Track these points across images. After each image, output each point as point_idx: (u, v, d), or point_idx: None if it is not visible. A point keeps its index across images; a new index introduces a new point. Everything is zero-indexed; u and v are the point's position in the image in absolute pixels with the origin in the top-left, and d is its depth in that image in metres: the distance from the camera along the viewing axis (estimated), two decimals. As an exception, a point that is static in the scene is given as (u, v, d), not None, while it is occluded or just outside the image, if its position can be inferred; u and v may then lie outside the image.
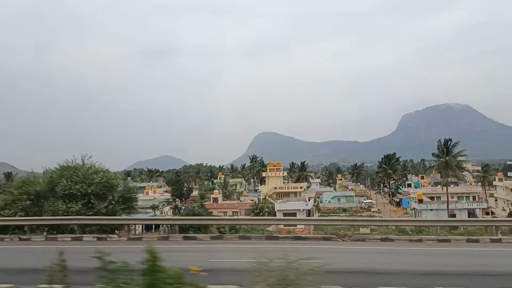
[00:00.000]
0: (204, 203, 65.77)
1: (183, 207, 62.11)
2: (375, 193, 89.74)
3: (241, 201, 59.64)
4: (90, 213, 19.52)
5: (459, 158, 54.94)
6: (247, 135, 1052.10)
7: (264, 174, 65.12)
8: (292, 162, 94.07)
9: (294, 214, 40.87)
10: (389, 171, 76.91)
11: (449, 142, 53.29)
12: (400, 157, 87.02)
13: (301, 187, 56.87)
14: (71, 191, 19.95)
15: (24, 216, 19.13)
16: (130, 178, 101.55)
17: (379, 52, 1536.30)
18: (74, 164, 21.88)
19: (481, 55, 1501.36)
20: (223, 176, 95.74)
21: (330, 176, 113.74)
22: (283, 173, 64.09)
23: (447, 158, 52.08)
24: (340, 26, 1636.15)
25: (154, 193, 73.98)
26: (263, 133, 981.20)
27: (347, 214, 54.25)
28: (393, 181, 79.02)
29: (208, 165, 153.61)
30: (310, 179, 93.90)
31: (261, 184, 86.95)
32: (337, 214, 52.50)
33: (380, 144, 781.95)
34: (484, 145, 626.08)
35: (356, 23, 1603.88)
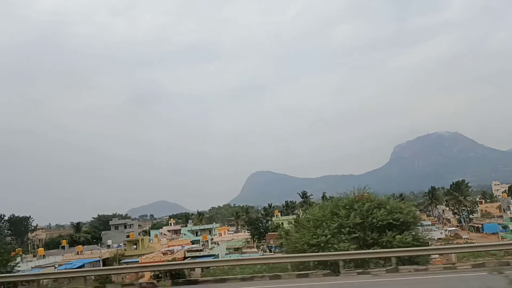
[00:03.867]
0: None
1: (273, 246, 58.44)
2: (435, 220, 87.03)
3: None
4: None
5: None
6: (240, 176, 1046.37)
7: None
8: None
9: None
10: (460, 198, 74.83)
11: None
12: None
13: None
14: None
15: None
16: (190, 221, 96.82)
17: (366, 86, 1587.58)
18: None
19: (465, 84, 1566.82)
20: (279, 214, 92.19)
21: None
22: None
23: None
24: (327, 62, 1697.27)
25: (225, 234, 70.32)
26: (256, 172, 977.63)
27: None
28: (463, 207, 76.74)
29: (236, 205, 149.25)
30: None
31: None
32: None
33: (376, 176, 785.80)
34: (478, 171, 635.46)
35: (343, 59, 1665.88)
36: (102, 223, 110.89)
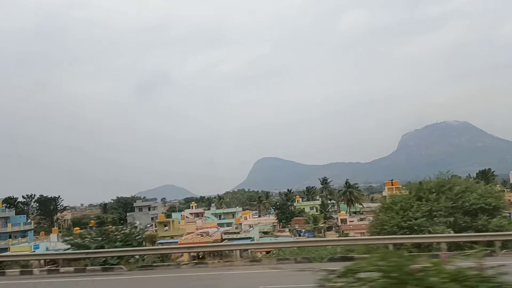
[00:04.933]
0: (321, 225, 62.63)
1: (302, 230, 58.91)
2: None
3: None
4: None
5: None
6: (247, 161, 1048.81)
7: (384, 193, 62.42)
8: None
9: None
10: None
11: None
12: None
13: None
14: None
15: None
16: (213, 204, 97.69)
17: (376, 74, 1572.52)
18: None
19: (475, 72, 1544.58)
20: (300, 199, 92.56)
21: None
22: (404, 191, 61.38)
23: None
24: (335, 51, 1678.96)
25: (250, 218, 70.94)
26: (263, 158, 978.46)
27: None
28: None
29: (251, 190, 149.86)
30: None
31: (347, 205, 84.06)
32: None
33: (382, 164, 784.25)
34: (486, 161, 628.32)
35: (350, 48, 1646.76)
36: (122, 205, 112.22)
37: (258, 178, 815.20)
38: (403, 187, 23.39)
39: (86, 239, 17.74)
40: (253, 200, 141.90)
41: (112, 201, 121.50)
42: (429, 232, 17.27)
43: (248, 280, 11.29)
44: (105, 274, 13.37)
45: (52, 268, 14.22)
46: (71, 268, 13.95)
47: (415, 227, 17.70)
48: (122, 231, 18.35)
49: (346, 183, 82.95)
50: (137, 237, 18.30)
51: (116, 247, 16.00)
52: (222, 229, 53.08)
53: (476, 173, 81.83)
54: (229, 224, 72.81)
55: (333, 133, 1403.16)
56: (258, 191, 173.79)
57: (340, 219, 57.73)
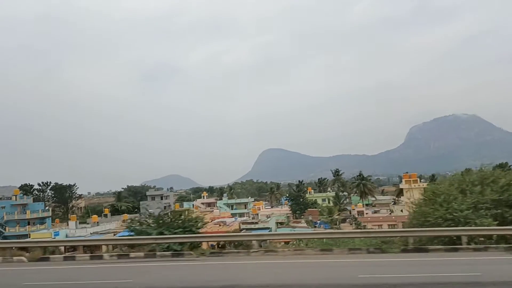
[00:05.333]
0: (335, 217, 62.43)
1: (318, 222, 58.75)
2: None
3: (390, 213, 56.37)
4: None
5: None
6: (252, 152, 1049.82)
7: (401, 186, 62.05)
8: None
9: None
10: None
11: None
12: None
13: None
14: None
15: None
16: (225, 194, 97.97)
17: (384, 65, 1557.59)
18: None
19: (485, 65, 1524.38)
20: (312, 191, 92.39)
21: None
22: (423, 184, 60.81)
23: None
24: (344, 41, 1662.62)
25: (263, 209, 70.88)
26: (268, 149, 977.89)
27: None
28: None
29: (259, 181, 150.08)
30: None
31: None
32: None
33: (389, 157, 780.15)
34: (495, 154, 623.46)
35: (359, 39, 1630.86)
36: (132, 194, 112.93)
37: (263, 169, 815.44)
38: (436, 181, 22.94)
39: (143, 225, 17.68)
40: (262, 191, 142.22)
41: (122, 190, 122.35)
42: (476, 225, 16.94)
43: (344, 269, 11.06)
44: (177, 259, 13.28)
45: (121, 254, 14.14)
46: (141, 254, 13.83)
47: (461, 219, 17.35)
48: (179, 219, 18.27)
49: (359, 175, 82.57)
50: (195, 224, 18.22)
51: (175, 233, 15.94)
52: (239, 219, 53.09)
53: (493, 167, 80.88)
54: (241, 215, 72.92)
55: (339, 125, 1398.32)
56: (266, 182, 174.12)
57: (357, 211, 57.49)
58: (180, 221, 17.68)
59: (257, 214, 57.21)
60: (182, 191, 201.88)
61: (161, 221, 17.49)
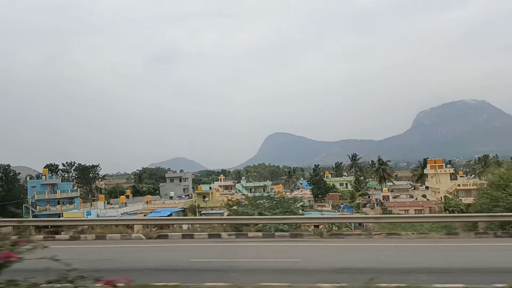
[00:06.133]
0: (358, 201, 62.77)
1: (341, 206, 59.07)
2: None
3: (416, 198, 56.60)
4: None
5: None
6: (258, 136, 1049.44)
7: (426, 171, 61.98)
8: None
9: None
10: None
11: None
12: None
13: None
14: None
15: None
16: (243, 177, 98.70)
17: (392, 50, 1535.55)
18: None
19: (495, 51, 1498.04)
20: (329, 175, 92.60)
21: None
22: (449, 170, 60.76)
23: None
24: (351, 25, 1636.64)
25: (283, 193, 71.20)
26: (274, 133, 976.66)
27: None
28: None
29: (273, 165, 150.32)
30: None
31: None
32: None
33: (396, 142, 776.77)
34: (503, 141, 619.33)
35: (367, 23, 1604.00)
36: (147, 176, 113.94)
37: (269, 153, 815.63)
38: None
39: (243, 206, 17.87)
40: (274, 174, 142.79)
41: (137, 171, 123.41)
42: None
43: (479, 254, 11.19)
44: (298, 240, 13.37)
45: (239, 233, 14.25)
46: (259, 234, 13.97)
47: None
48: (275, 199, 18.41)
49: (379, 160, 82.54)
50: (294, 205, 18.35)
51: (275, 214, 16.05)
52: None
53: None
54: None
55: (345, 110, 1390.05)
56: (278, 166, 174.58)
57: (382, 195, 57.67)
58: (278, 202, 17.81)
59: (283, 197, 57.40)
60: (188, 173, 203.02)
61: (257, 202, 17.64)
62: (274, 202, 18.08)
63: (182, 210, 53.91)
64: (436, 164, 60.11)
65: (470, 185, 51.86)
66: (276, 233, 13.86)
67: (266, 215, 15.69)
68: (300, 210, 21.34)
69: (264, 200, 18.24)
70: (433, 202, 50.93)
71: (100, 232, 14.89)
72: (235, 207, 18.34)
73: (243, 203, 18.24)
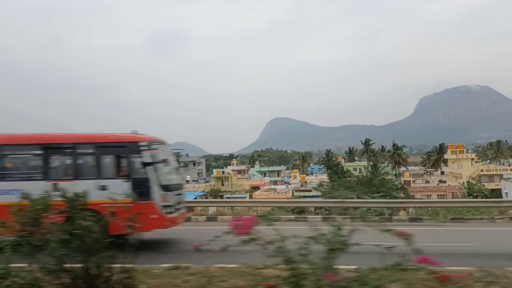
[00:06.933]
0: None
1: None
2: None
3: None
4: None
5: None
6: (260, 121, 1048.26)
7: (446, 156, 61.80)
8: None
9: None
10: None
11: None
12: None
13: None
14: None
15: None
16: (257, 162, 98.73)
17: (395, 34, 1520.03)
18: None
19: (499, 35, 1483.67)
20: (342, 160, 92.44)
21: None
22: (470, 155, 60.57)
23: None
24: (354, 9, 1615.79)
25: (298, 177, 71.40)
26: (276, 118, 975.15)
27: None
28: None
29: (281, 150, 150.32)
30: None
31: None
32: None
33: (398, 128, 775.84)
34: (505, 127, 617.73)
35: (370, 6, 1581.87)
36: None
37: (271, 138, 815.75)
38: None
39: (340, 190, 17.77)
40: (283, 159, 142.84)
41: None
42: None
43: None
44: (420, 224, 13.23)
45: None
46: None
47: None
48: (373, 184, 18.28)
49: (393, 146, 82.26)
50: (393, 188, 18.27)
51: (374, 197, 15.99)
52: (290, 186, 53.53)
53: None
54: (275, 182, 73.51)
55: (348, 95, 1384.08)
56: (286, 150, 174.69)
57: (404, 180, 57.68)
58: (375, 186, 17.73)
59: (306, 182, 57.55)
60: (191, 157, 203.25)
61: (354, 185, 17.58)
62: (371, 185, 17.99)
63: (204, 194, 53.94)
64: (457, 149, 59.83)
65: (493, 171, 51.71)
66: (395, 218, 13.76)
67: (364, 198, 15.61)
68: (401, 194, 21.19)
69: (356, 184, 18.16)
70: (456, 187, 50.93)
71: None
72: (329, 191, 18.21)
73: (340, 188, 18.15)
